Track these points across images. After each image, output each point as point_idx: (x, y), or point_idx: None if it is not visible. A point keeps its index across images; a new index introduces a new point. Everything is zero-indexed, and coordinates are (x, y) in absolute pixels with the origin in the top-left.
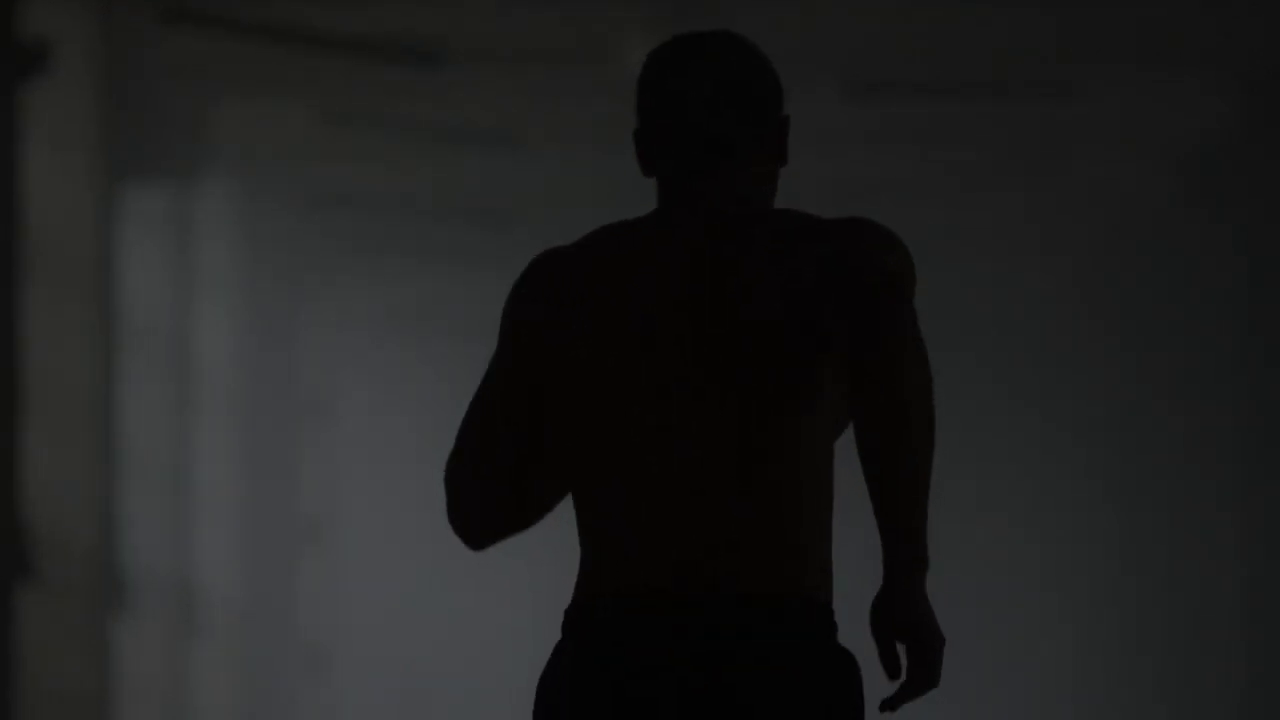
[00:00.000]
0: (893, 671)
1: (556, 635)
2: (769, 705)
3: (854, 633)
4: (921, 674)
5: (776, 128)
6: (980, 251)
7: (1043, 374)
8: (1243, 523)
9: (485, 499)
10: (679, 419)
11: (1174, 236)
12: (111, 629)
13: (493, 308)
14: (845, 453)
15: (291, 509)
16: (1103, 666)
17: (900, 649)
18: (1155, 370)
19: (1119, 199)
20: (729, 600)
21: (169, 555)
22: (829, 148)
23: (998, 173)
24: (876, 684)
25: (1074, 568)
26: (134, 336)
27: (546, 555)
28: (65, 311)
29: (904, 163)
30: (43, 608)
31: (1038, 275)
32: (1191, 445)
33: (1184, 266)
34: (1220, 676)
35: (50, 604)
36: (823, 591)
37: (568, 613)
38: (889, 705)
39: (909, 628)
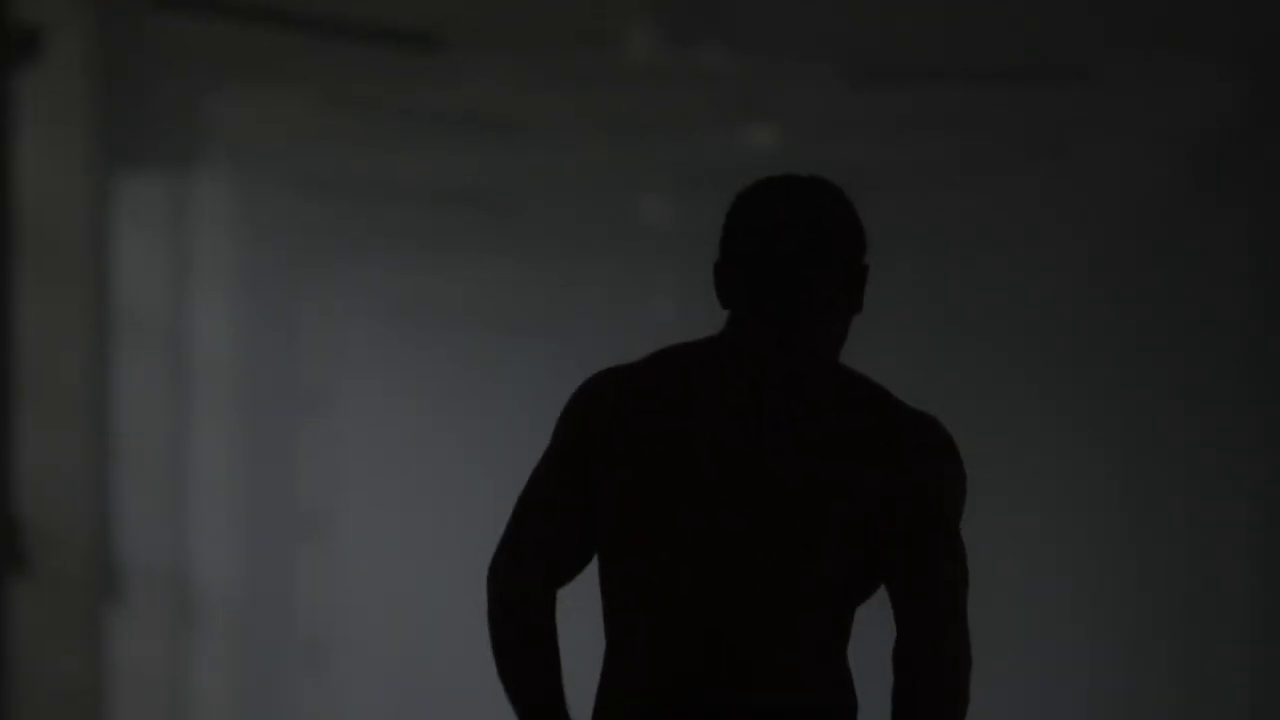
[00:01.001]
0: None
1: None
2: None
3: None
4: None
5: (856, 276)
6: (986, 239)
7: (1050, 362)
8: (1256, 509)
9: (527, 592)
10: (717, 546)
11: (1183, 224)
12: (107, 622)
13: (493, 297)
14: None
15: (290, 501)
16: (1115, 660)
17: None
18: (1165, 359)
19: (1128, 185)
20: (755, 712)
21: (165, 548)
22: (834, 135)
23: (1005, 159)
24: None
25: (1084, 559)
26: (130, 326)
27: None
28: (60, 301)
29: (909, 150)
30: (38, 601)
31: (1045, 263)
32: (1202, 435)
33: (1194, 254)
34: (1229, 671)
35: (45, 597)
36: (850, 701)
37: None
38: None
39: None
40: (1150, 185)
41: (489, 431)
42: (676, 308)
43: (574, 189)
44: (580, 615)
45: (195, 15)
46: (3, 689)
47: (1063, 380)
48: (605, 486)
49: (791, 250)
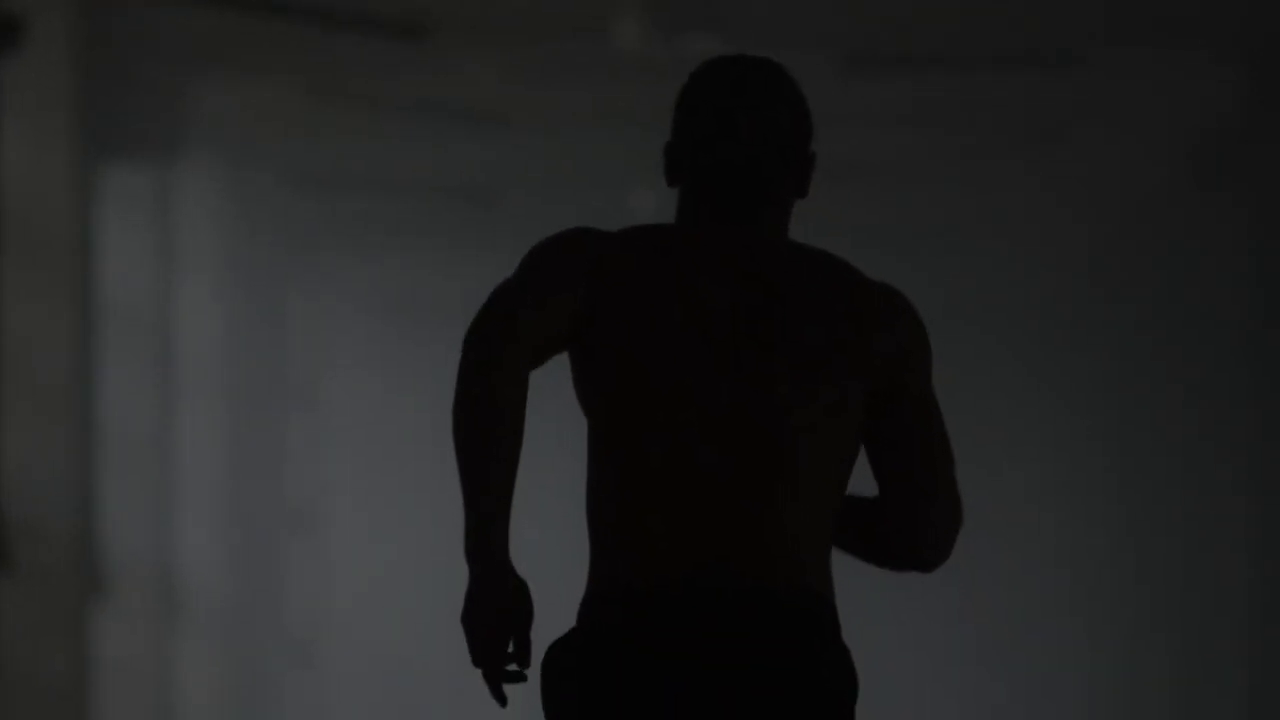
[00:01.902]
0: None
1: (543, 625)
2: (780, 693)
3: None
4: None
5: (804, 163)
6: (983, 232)
7: (1048, 355)
8: (1254, 503)
9: (507, 357)
10: (713, 424)
11: (1183, 220)
12: (92, 618)
13: (483, 291)
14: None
15: (278, 497)
16: (1114, 651)
17: None
18: (1164, 353)
19: (1127, 181)
20: (749, 594)
21: (151, 543)
22: (827, 126)
23: (1001, 151)
24: (866, 680)
25: (1083, 552)
26: (115, 319)
27: (534, 547)
28: (44, 294)
29: (903, 142)
30: (23, 597)
31: (1044, 257)
32: (1200, 429)
33: (1194, 251)
34: (1228, 662)
35: (30, 593)
36: (829, 591)
37: (587, 602)
38: None
39: None
40: (1150, 181)
41: None
42: None
43: (566, 183)
44: (561, 593)
45: (181, 4)
46: None
47: (1061, 374)
48: (595, 349)
49: (746, 135)
